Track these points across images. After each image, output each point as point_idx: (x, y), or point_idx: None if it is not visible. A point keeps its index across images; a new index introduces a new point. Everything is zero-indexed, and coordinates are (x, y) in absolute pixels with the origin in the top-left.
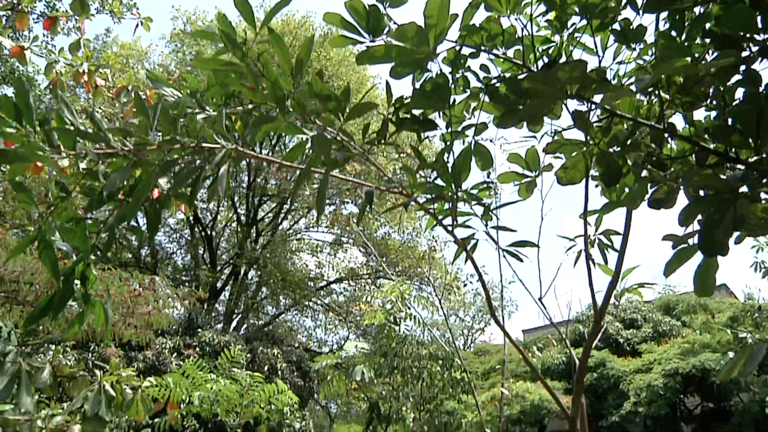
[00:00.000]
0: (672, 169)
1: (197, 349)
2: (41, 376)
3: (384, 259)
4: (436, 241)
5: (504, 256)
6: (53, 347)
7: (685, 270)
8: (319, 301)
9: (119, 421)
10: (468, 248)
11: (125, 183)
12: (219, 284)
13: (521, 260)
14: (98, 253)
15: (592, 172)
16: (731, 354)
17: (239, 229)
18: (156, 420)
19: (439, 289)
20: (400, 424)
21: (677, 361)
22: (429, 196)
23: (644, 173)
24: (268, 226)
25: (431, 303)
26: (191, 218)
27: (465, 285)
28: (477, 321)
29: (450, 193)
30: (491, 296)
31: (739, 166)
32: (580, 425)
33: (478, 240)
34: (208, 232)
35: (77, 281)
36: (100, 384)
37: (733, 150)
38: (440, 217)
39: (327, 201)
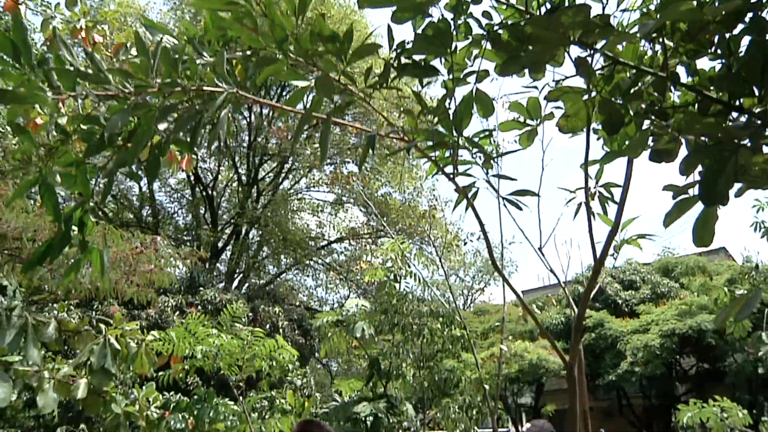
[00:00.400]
0: (674, 119)
1: (199, 307)
2: (47, 330)
3: (385, 218)
4: (436, 200)
5: (504, 206)
6: (57, 306)
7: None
8: (319, 261)
9: (124, 378)
10: (469, 196)
11: (125, 127)
12: (220, 244)
13: (521, 209)
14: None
15: (594, 125)
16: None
17: (240, 189)
18: (160, 373)
19: (439, 249)
20: (400, 380)
21: (674, 322)
22: (430, 143)
23: (646, 123)
24: (268, 185)
25: (432, 261)
26: (192, 178)
27: (465, 243)
28: (477, 281)
29: (451, 140)
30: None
31: (742, 116)
32: (577, 372)
33: (478, 189)
34: (209, 192)
35: (75, 228)
36: (105, 338)
37: (737, 99)
38: (441, 165)
39: (328, 161)
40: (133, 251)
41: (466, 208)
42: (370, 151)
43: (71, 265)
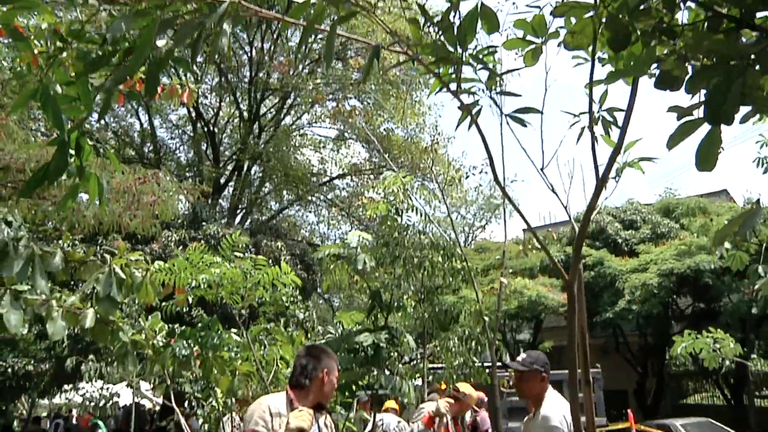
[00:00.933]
0: (682, 38)
1: (202, 242)
2: (53, 260)
3: (387, 155)
4: (439, 134)
5: (508, 124)
6: (62, 238)
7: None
8: (321, 197)
9: (131, 311)
10: (473, 113)
11: (122, 43)
12: (222, 180)
13: (525, 125)
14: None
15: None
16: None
17: (242, 125)
18: (164, 304)
19: (441, 184)
20: (401, 313)
21: (673, 262)
22: (434, 59)
23: (653, 42)
24: (270, 122)
25: (434, 194)
26: (193, 114)
27: (467, 177)
28: (478, 218)
29: (455, 56)
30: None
31: (753, 34)
32: (577, 291)
33: (482, 107)
34: (211, 128)
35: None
36: (110, 267)
37: (750, 16)
38: (445, 82)
39: (329, 96)
40: (136, 181)
41: (470, 126)
42: (373, 86)
43: (68, 192)
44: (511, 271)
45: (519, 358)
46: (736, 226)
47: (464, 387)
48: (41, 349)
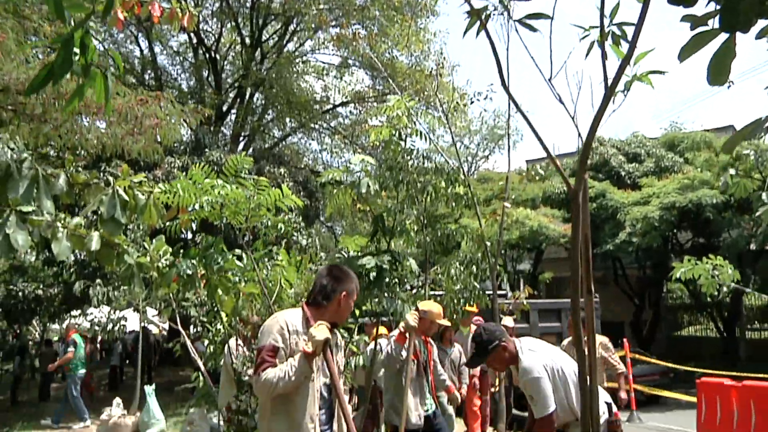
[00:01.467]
0: None
1: (205, 167)
2: (58, 182)
3: (391, 81)
4: (444, 59)
5: (516, 31)
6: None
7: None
8: (324, 125)
9: (135, 236)
10: (482, 17)
11: None
12: (225, 107)
13: (535, 30)
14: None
15: None
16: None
17: (243, 52)
18: (168, 224)
19: (446, 110)
20: (404, 237)
21: (675, 195)
22: None
23: None
24: (273, 48)
25: (438, 120)
26: (194, 40)
27: (472, 102)
28: (482, 149)
29: None
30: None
31: None
32: (582, 201)
33: (491, 12)
34: (212, 55)
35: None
36: (114, 189)
37: None
38: None
39: (332, 21)
40: (137, 103)
41: (478, 32)
42: (377, 11)
43: (74, 92)
44: (513, 200)
45: (470, 355)
46: (749, 129)
47: (425, 305)
48: (49, 275)
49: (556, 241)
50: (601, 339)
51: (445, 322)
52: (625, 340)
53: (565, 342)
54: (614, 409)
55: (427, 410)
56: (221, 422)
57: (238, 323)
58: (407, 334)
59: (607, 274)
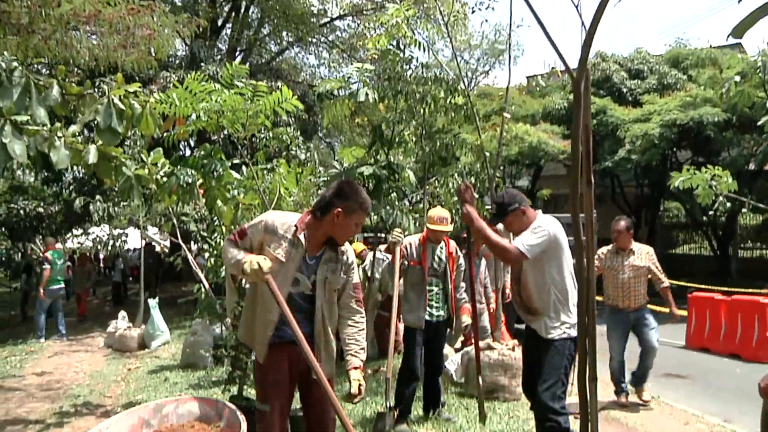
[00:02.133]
0: None
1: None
2: (51, 93)
3: None
4: None
5: None
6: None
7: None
8: (322, 38)
9: (133, 152)
10: None
11: None
12: (220, 21)
13: None
14: None
15: None
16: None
17: None
18: (165, 134)
19: (446, 19)
20: (402, 148)
21: (677, 113)
22: None
23: None
24: None
25: (438, 28)
26: None
27: (473, 12)
28: (482, 64)
29: None
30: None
31: None
32: (584, 90)
33: None
34: None
35: None
36: (109, 98)
37: None
38: None
39: None
40: (128, 11)
41: None
42: None
43: None
44: (512, 115)
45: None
46: (759, 10)
47: (433, 213)
48: (49, 195)
49: (555, 158)
50: (648, 248)
51: (442, 227)
52: None
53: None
54: None
55: (437, 317)
56: (225, 331)
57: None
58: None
59: (604, 191)
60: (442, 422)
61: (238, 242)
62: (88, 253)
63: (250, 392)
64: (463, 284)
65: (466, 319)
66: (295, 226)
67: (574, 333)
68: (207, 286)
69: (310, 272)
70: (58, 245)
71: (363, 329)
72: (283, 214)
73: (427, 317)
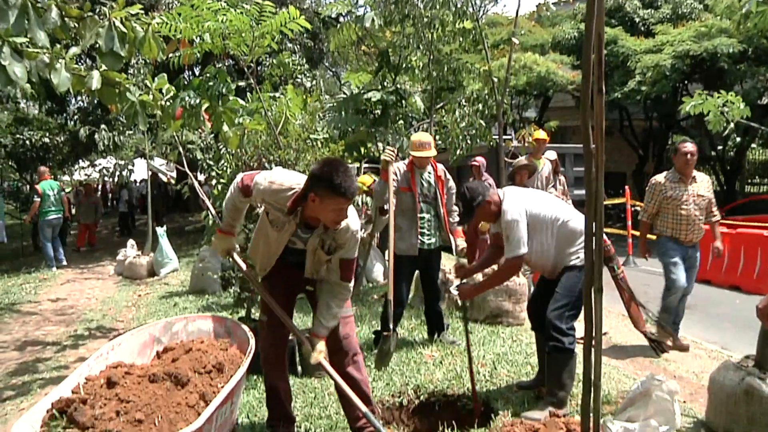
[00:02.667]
0: None
1: None
2: (49, 15)
3: None
4: None
5: None
6: None
7: None
8: None
9: (137, 80)
10: None
11: None
12: None
13: None
14: None
15: None
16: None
17: None
18: (171, 56)
19: None
20: (409, 73)
21: (690, 43)
22: None
23: None
24: None
25: None
26: None
27: None
28: None
29: None
30: None
31: None
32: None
33: None
34: None
35: None
36: (110, 20)
37: None
38: None
39: None
40: None
41: None
42: None
43: None
44: (521, 45)
45: (456, 216)
46: None
47: (415, 138)
48: (54, 126)
49: (563, 88)
50: (706, 176)
51: (424, 153)
52: (627, 188)
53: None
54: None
55: (429, 245)
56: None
57: (243, 155)
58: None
59: (612, 124)
60: (446, 345)
61: (239, 188)
62: (94, 185)
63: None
64: (455, 207)
65: (461, 243)
66: (287, 206)
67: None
68: (214, 213)
69: (303, 241)
70: (66, 177)
71: (342, 300)
72: (282, 182)
73: (419, 245)
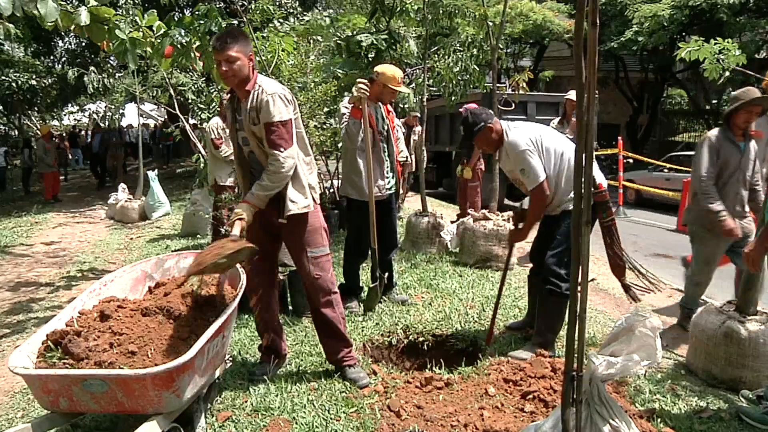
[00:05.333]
0: None
1: None
2: None
3: None
4: None
5: None
6: None
7: None
8: None
9: (128, 20)
10: None
11: None
12: None
13: None
14: None
15: None
16: None
17: None
18: None
19: None
20: (404, 17)
21: None
22: None
23: None
24: None
25: None
26: None
27: None
28: None
29: None
30: None
31: None
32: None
33: None
34: None
35: None
36: None
37: None
38: None
39: None
40: None
41: None
42: None
43: None
44: None
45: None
46: None
47: (379, 67)
48: (42, 69)
49: (559, 37)
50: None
51: (403, 89)
52: (619, 138)
53: (555, 122)
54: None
55: (387, 189)
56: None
57: None
58: (360, 107)
59: (607, 75)
60: (435, 288)
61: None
62: (57, 131)
63: None
64: (403, 147)
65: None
66: (227, 98)
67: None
68: (206, 154)
69: (243, 128)
70: (55, 122)
71: (273, 172)
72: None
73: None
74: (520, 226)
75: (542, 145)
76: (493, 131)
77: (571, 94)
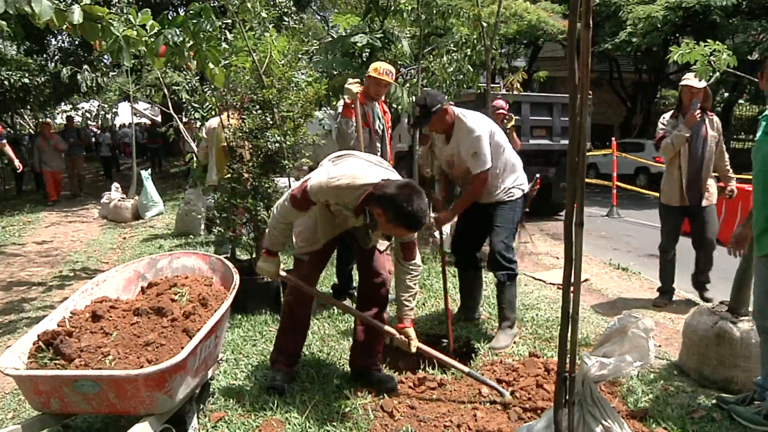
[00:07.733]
0: None
1: None
2: None
3: None
4: None
5: None
6: None
7: None
8: None
9: (121, 19)
10: None
11: None
12: None
13: None
14: None
15: None
16: None
17: None
18: None
19: None
20: (398, 17)
21: None
22: None
23: None
24: None
25: None
26: None
27: None
28: None
29: None
30: None
31: None
32: None
33: None
34: None
35: None
36: None
37: None
38: None
39: None
40: None
41: None
42: None
43: None
44: None
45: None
46: None
47: (379, 64)
48: (35, 67)
49: (554, 38)
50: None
51: (387, 79)
52: (613, 139)
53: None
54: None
55: None
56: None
57: (227, 94)
58: (352, 105)
59: (601, 76)
60: (429, 288)
61: (297, 210)
62: (52, 124)
63: (241, 254)
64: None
65: None
66: (355, 207)
67: (526, 188)
68: (199, 154)
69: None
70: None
71: (414, 277)
72: (349, 182)
73: None
74: (450, 208)
75: (494, 138)
76: (447, 113)
77: (689, 79)
